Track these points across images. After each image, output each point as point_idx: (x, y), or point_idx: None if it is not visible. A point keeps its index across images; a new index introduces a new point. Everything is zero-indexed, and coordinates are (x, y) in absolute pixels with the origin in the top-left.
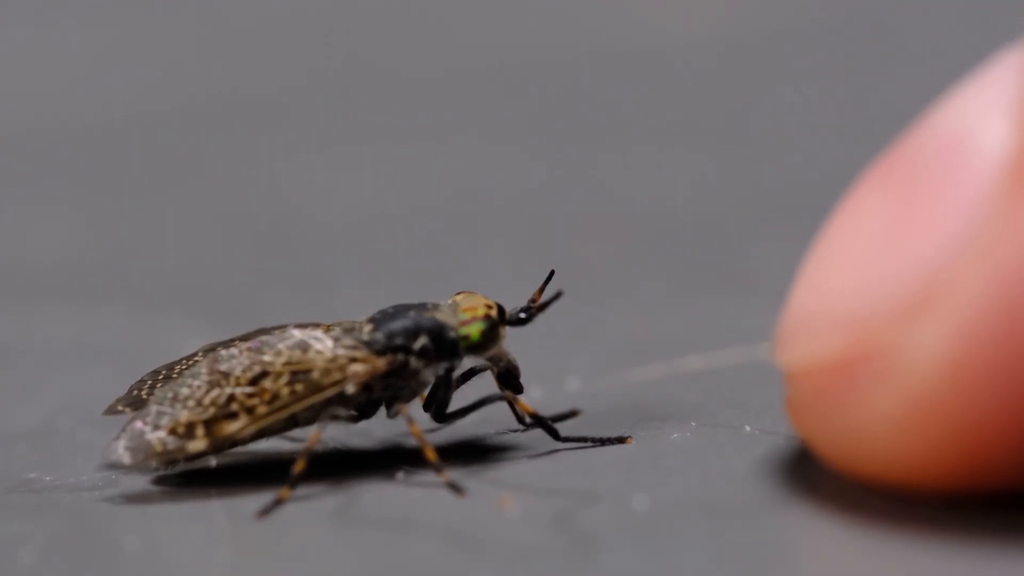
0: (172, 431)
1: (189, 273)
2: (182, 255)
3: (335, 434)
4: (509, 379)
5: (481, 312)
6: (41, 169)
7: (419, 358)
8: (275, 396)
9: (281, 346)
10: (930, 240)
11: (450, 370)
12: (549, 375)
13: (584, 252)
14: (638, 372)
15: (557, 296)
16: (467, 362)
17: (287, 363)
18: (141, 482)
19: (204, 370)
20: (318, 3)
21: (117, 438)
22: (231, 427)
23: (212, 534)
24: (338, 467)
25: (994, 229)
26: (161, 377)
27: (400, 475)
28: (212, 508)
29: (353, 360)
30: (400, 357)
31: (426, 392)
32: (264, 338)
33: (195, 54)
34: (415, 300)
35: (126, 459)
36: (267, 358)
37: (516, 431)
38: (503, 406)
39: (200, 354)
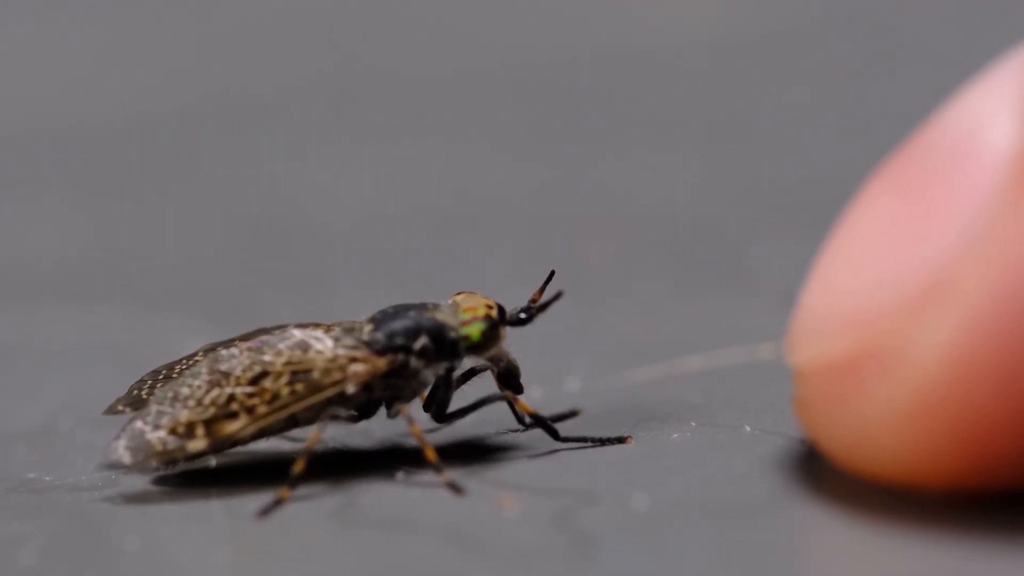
0: (172, 431)
1: (189, 273)
2: (182, 255)
3: (335, 434)
4: (509, 379)
5: (481, 312)
6: (41, 169)
7: (419, 358)
8: (275, 396)
9: (281, 346)
10: (939, 238)
11: (450, 370)
12: (549, 375)
13: (584, 252)
14: (638, 372)
15: (558, 296)
16: (467, 362)
17: (287, 363)
18: (141, 482)
19: (204, 370)
20: (318, 3)
21: (117, 438)
22: (231, 427)
23: (212, 534)
24: (338, 467)
25: (999, 226)
26: (161, 377)
27: (400, 475)
28: (212, 508)
29: (353, 360)
30: (400, 357)
31: (426, 392)
32: (264, 338)
33: (195, 54)
34: (415, 300)
35: (126, 459)
36: (267, 358)
37: (516, 431)
38: (503, 406)
39: (200, 354)
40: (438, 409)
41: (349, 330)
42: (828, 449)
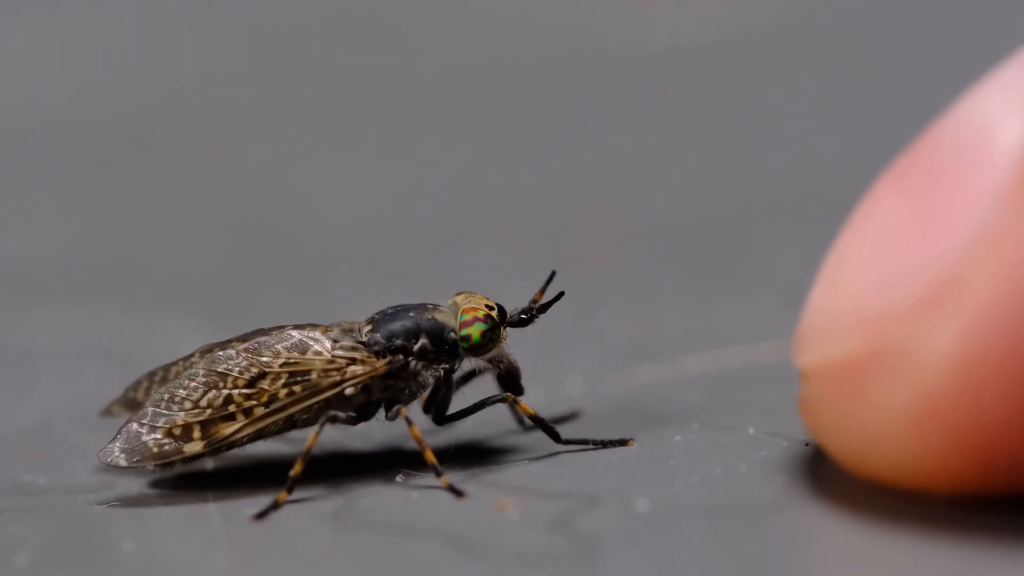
0: (168, 433)
1: (185, 273)
2: (178, 255)
3: (334, 436)
4: (510, 380)
5: (482, 313)
6: (36, 169)
7: (419, 359)
8: (273, 398)
9: (279, 347)
10: (947, 238)
11: (450, 371)
12: (550, 376)
13: (585, 252)
14: (640, 373)
15: (559, 297)
16: (467, 363)
17: (285, 364)
18: (137, 485)
19: (201, 371)
20: (317, 3)
21: (113, 440)
22: (228, 429)
23: (209, 538)
24: (336, 470)
25: (1007, 226)
26: (157, 378)
27: (399, 478)
28: (209, 511)
29: (352, 361)
30: (399, 358)
31: (426, 394)
32: (262, 339)
33: (194, 54)
34: (415, 300)
35: (122, 461)
36: (265, 359)
37: (517, 433)
38: (503, 408)
39: (197, 355)
40: (438, 411)
41: (348, 331)
42: (833, 451)
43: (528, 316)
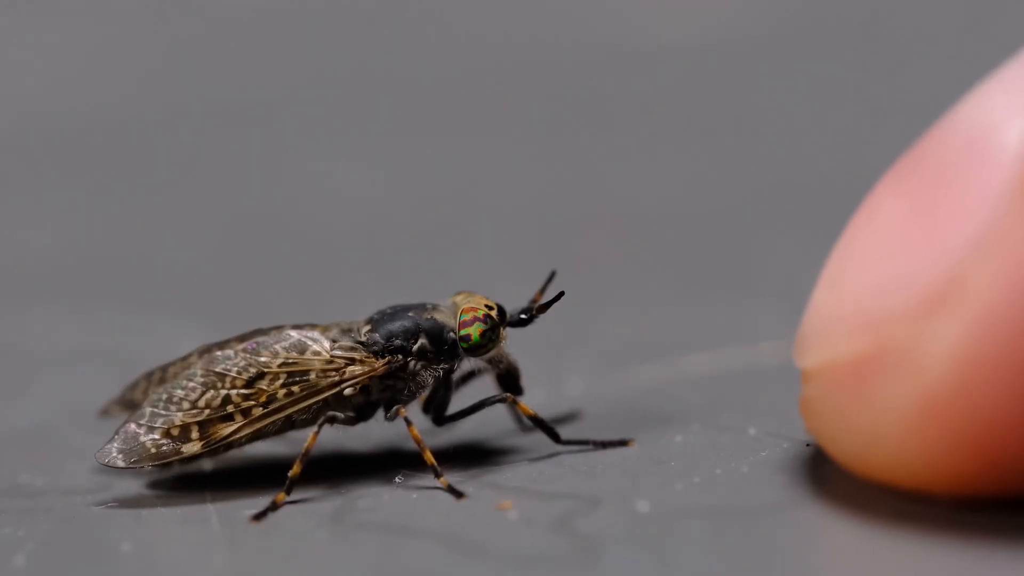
0: (167, 433)
1: (185, 273)
2: (177, 255)
3: (332, 437)
4: (510, 381)
5: (481, 313)
6: (34, 169)
7: (418, 359)
8: (271, 398)
9: (277, 347)
10: (949, 239)
11: (449, 372)
12: (550, 376)
13: (586, 252)
14: (640, 373)
15: (559, 297)
16: (467, 363)
17: (283, 364)
18: (135, 486)
19: (199, 371)
20: (317, 1)
21: (111, 440)
22: (226, 429)
23: (207, 539)
24: (335, 470)
25: (1010, 227)
26: (155, 379)
27: (399, 478)
28: (207, 512)
29: (351, 361)
30: (398, 358)
31: (425, 394)
32: (260, 339)
33: (192, 53)
34: (414, 300)
35: (120, 462)
36: (263, 359)
37: (516, 433)
38: (503, 408)
39: (195, 355)
40: (437, 411)
41: (346, 331)
42: (834, 452)
43: (528, 316)
